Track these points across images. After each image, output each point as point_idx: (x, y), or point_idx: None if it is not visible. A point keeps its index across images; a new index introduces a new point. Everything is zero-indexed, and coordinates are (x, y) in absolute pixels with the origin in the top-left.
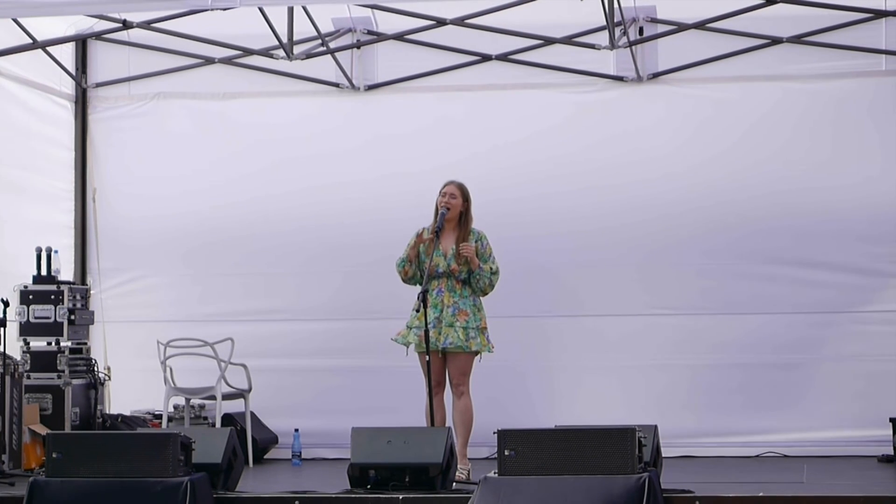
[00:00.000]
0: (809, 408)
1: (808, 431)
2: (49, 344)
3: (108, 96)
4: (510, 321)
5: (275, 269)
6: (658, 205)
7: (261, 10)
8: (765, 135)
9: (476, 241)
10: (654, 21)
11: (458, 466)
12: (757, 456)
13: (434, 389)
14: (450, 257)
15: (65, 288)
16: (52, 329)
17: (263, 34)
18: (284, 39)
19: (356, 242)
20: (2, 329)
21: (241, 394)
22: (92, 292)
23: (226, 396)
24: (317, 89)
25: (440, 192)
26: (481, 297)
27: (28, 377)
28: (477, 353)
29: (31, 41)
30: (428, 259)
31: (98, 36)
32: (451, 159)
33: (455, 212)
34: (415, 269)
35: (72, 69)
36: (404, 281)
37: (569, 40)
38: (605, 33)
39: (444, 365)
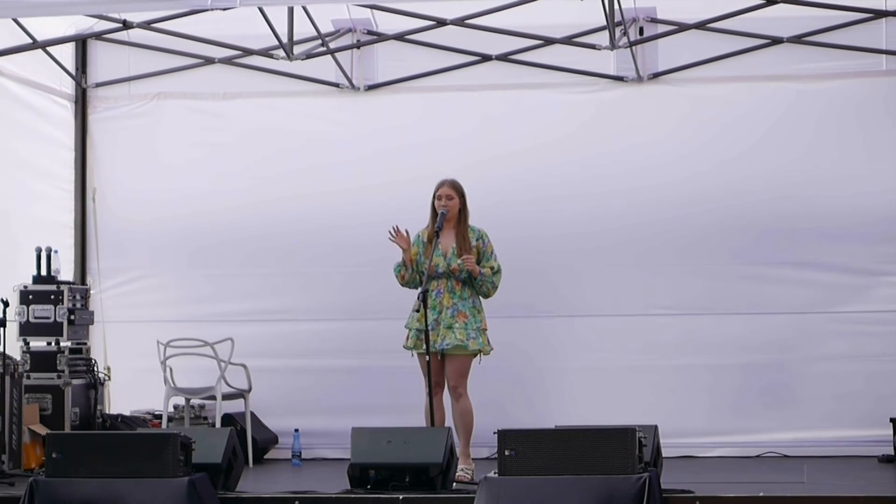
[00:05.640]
0: (809, 408)
1: (808, 431)
2: (49, 344)
3: (109, 96)
4: (510, 321)
5: (275, 269)
6: (657, 205)
7: (261, 10)
8: (764, 135)
9: (477, 240)
10: (655, 21)
11: (463, 467)
12: (757, 456)
13: (434, 390)
14: (450, 257)
15: (65, 288)
16: (52, 329)
17: (263, 34)
18: (284, 39)
19: (356, 242)
20: (2, 329)
21: (241, 394)
22: (92, 292)
23: (226, 396)
24: (317, 89)
25: (435, 193)
26: (486, 299)
27: (28, 377)
28: (475, 354)
29: (31, 41)
30: (427, 260)
31: (98, 36)
32: (451, 159)
33: (453, 211)
34: (411, 273)
35: (72, 69)
36: (402, 285)
37: (569, 40)
38: (606, 33)
39: (443, 366)
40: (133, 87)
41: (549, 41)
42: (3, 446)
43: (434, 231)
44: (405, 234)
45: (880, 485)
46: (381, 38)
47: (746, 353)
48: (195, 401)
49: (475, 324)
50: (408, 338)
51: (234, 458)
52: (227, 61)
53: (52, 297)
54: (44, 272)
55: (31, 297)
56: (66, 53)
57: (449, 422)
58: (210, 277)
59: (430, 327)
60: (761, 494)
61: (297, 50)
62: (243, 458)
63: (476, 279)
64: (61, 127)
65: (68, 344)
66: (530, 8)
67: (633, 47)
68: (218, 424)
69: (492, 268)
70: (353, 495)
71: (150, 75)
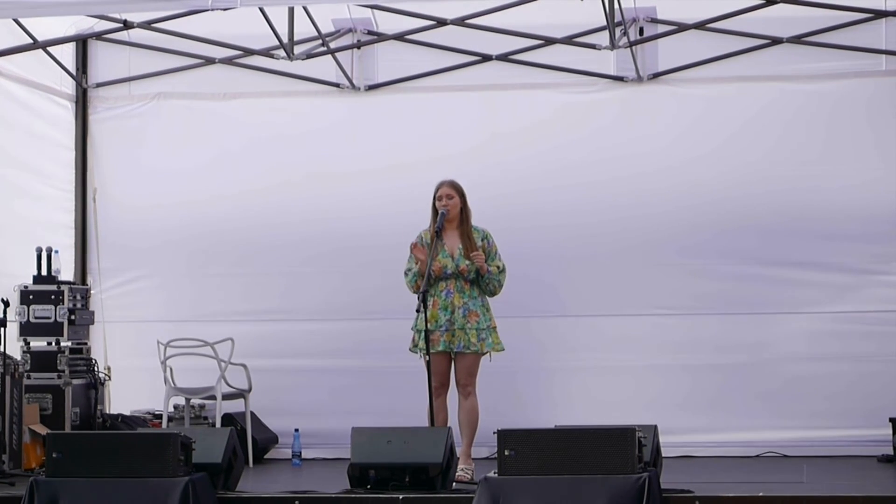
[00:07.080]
0: (809, 408)
1: (808, 431)
2: (49, 344)
3: (109, 96)
4: (510, 321)
5: (275, 269)
6: (658, 205)
7: (261, 10)
8: (765, 135)
9: (482, 240)
10: (655, 21)
11: (463, 467)
12: (757, 456)
13: (437, 391)
14: (457, 258)
15: (65, 288)
16: (53, 329)
17: (264, 34)
18: (285, 39)
19: (356, 242)
20: (2, 329)
21: (241, 394)
22: (92, 292)
23: (226, 396)
24: (317, 89)
25: (435, 194)
26: (491, 297)
27: (28, 377)
28: (486, 353)
29: (31, 41)
30: (431, 260)
31: (98, 36)
32: (451, 159)
33: (454, 212)
34: (426, 282)
35: (72, 69)
36: (415, 293)
37: (569, 40)
38: (606, 33)
39: (450, 366)
40: (133, 88)
41: (549, 41)
42: (4, 446)
43: (435, 231)
44: (424, 247)
45: (880, 485)
46: (381, 38)
47: (746, 353)
48: (195, 401)
49: (486, 322)
50: (413, 340)
51: (234, 457)
52: (228, 61)
53: (53, 297)
54: (44, 272)
55: (31, 297)
56: (67, 53)
57: (451, 423)
58: (210, 277)
59: (443, 328)
60: (761, 494)
61: (297, 50)
62: (243, 458)
63: (484, 276)
64: (61, 127)
65: (69, 344)
66: (530, 8)
67: (633, 47)
68: (218, 424)
69: (498, 267)
70: (353, 495)
71: (151, 75)
